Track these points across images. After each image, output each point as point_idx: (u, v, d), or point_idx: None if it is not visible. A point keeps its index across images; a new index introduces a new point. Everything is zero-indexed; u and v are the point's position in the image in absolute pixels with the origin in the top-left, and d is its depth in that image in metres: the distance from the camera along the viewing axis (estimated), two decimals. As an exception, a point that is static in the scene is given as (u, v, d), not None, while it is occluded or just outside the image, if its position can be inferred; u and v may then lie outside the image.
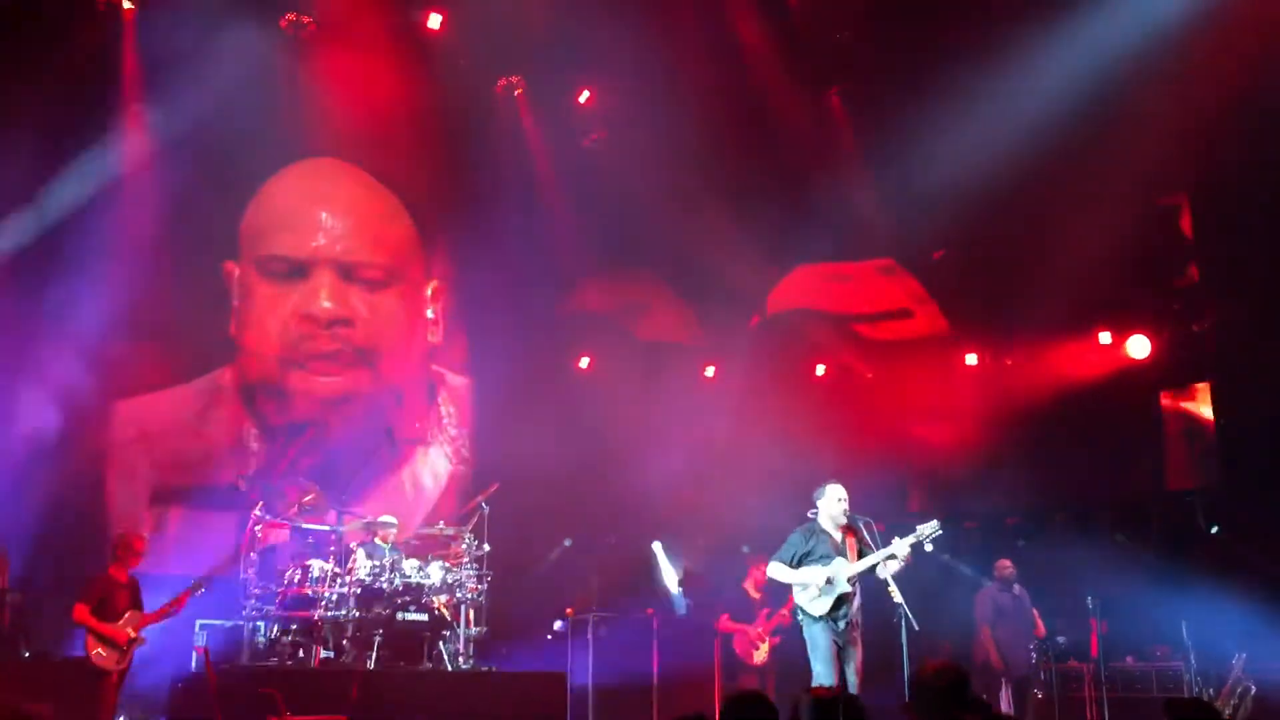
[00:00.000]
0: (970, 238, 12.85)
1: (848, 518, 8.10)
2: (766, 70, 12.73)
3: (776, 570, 8.21)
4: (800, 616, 8.06)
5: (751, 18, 12.52)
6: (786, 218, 13.18)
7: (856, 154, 12.94)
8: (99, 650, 8.88)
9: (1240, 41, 10.03)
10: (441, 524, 11.23)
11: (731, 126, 13.08)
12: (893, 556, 7.81)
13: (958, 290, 13.87)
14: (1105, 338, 12.90)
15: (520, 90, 13.41)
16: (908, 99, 12.19)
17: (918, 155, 12.02)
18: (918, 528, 7.89)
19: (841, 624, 7.90)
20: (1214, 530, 11.95)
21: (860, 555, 8.03)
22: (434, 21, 12.44)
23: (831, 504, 8.15)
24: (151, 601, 9.36)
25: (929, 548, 7.93)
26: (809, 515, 8.27)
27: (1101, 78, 10.66)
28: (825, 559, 8.00)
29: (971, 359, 13.79)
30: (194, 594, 9.51)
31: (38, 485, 11.10)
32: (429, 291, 13.94)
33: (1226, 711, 10.14)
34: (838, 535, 8.14)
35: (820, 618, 7.90)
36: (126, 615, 9.06)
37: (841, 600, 7.91)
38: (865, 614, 8.12)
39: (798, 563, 8.09)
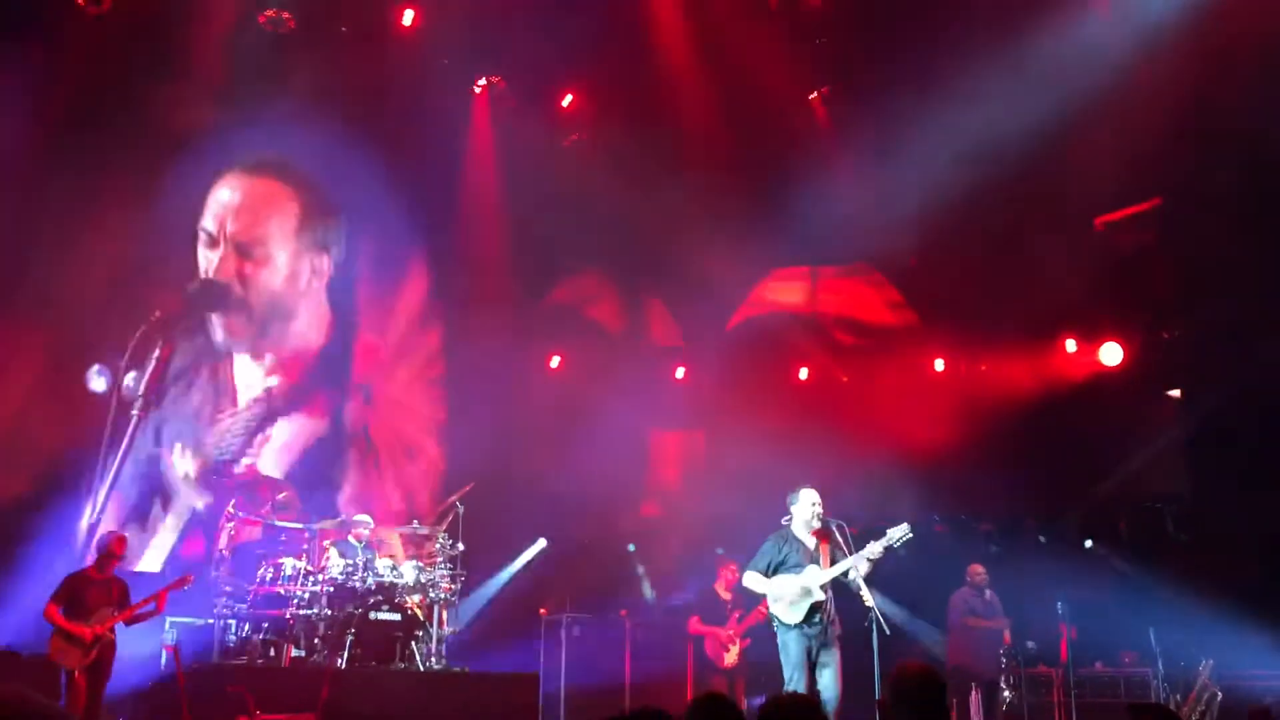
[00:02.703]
0: (946, 243, 12.92)
1: (821, 522, 8.14)
2: (747, 73, 12.76)
3: (751, 580, 8.23)
4: (775, 624, 8.10)
5: (732, 19, 12.55)
6: (764, 221, 13.22)
7: (833, 158, 12.98)
8: (60, 648, 8.79)
9: (1209, 52, 10.14)
10: (416, 523, 11.21)
11: (710, 129, 13.11)
12: (867, 560, 7.85)
13: (933, 296, 13.94)
14: (1077, 345, 13.00)
15: (500, 90, 13.41)
16: (886, 105, 12.25)
17: (895, 161, 12.08)
18: (888, 531, 7.92)
19: (815, 630, 7.93)
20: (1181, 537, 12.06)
21: (833, 560, 8.06)
22: (407, 18, 12.39)
23: (805, 508, 8.18)
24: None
25: (900, 551, 7.99)
26: (783, 521, 8.30)
27: (1074, 87, 10.74)
28: (798, 567, 8.04)
29: (939, 364, 13.87)
30: (177, 589, 9.45)
31: (22, 480, 10.99)
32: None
33: (1193, 717, 10.24)
34: (810, 541, 8.17)
35: (795, 625, 7.93)
36: (98, 613, 8.98)
37: (816, 608, 7.94)
38: (838, 618, 8.16)
39: (772, 571, 8.12)
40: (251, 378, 13.14)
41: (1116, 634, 11.42)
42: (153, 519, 12.15)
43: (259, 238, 13.39)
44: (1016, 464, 13.01)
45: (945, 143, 11.53)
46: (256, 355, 13.26)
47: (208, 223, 12.99)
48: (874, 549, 7.85)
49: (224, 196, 13.19)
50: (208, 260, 12.98)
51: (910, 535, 7.92)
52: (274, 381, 13.20)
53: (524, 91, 13.50)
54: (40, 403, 11.27)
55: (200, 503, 12.36)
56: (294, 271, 13.59)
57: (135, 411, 12.09)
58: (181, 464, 12.46)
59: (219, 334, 13.05)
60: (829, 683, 7.83)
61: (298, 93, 12.28)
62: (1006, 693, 11.08)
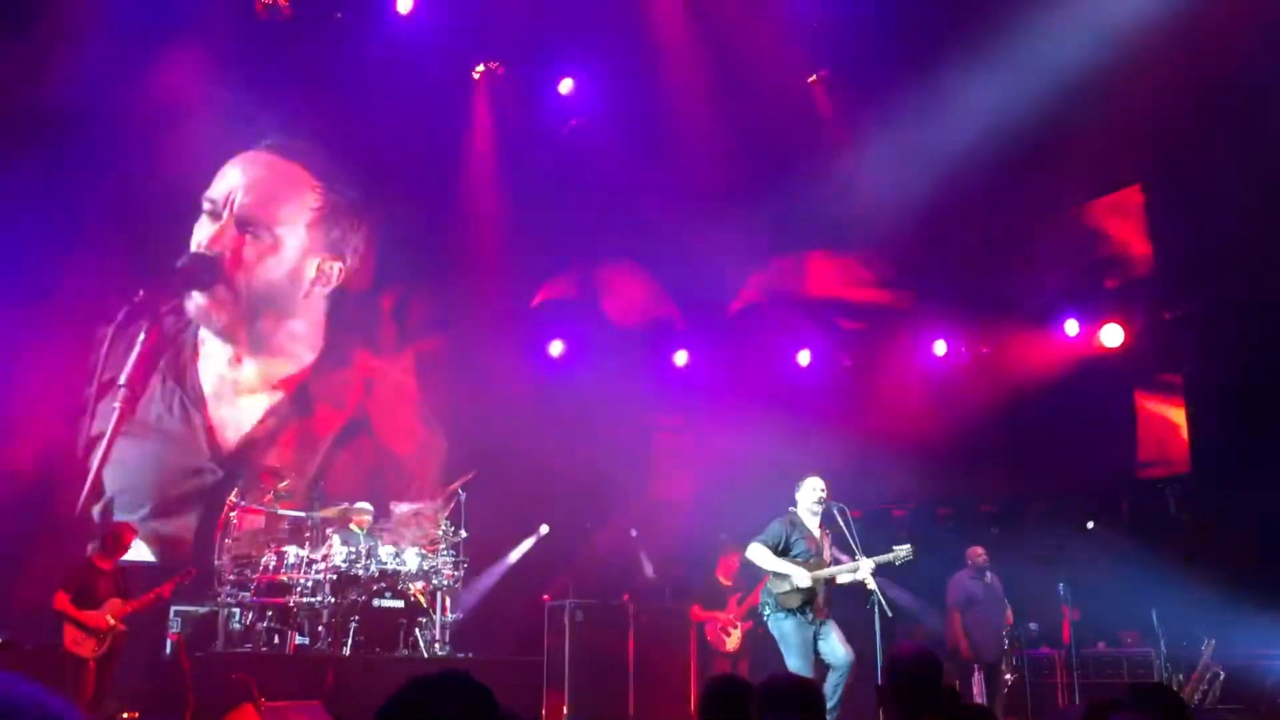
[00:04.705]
0: (945, 227, 12.90)
1: (824, 505, 8.26)
2: (747, 56, 12.73)
3: (758, 552, 8.25)
4: (768, 611, 8.16)
5: (732, 3, 12.52)
6: (765, 206, 13.19)
7: (834, 143, 12.95)
8: (75, 638, 8.83)
9: (1211, 27, 10.11)
10: (418, 510, 11.21)
11: (711, 113, 13.08)
12: (868, 567, 8.01)
13: (934, 280, 13.92)
14: (1078, 327, 12.97)
15: (499, 75, 13.38)
16: (886, 90, 12.21)
17: (895, 146, 12.05)
18: (894, 548, 8.18)
19: (811, 616, 8.02)
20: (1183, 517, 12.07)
21: (834, 553, 8.20)
22: (403, 5, 12.29)
23: (810, 493, 8.34)
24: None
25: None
26: (789, 510, 8.40)
27: (1069, 70, 10.69)
28: (804, 555, 8.16)
29: (940, 348, 13.83)
30: (182, 582, 9.46)
31: (6, 472, 10.96)
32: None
33: (1195, 696, 10.27)
34: (816, 530, 8.31)
35: (791, 611, 8.00)
36: (107, 603, 9.01)
37: (812, 598, 8.04)
38: (840, 600, 8.28)
39: (780, 552, 8.21)
40: (220, 369, 12.67)
41: (1119, 614, 11.44)
42: (135, 513, 11.99)
43: (268, 218, 12.95)
44: (1018, 446, 13.02)
45: (944, 125, 11.51)
46: (237, 345, 12.81)
47: (214, 192, 12.61)
48: (873, 562, 8.03)
49: (239, 169, 12.81)
50: (205, 234, 12.54)
51: (910, 558, 8.18)
52: (262, 390, 12.90)
53: (522, 77, 13.46)
54: (39, 391, 11.26)
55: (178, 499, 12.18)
56: (299, 269, 13.17)
57: (118, 404, 11.81)
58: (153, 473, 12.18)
59: (194, 309, 12.51)
60: (837, 648, 7.94)
61: (301, 79, 12.28)
62: (1008, 675, 11.10)
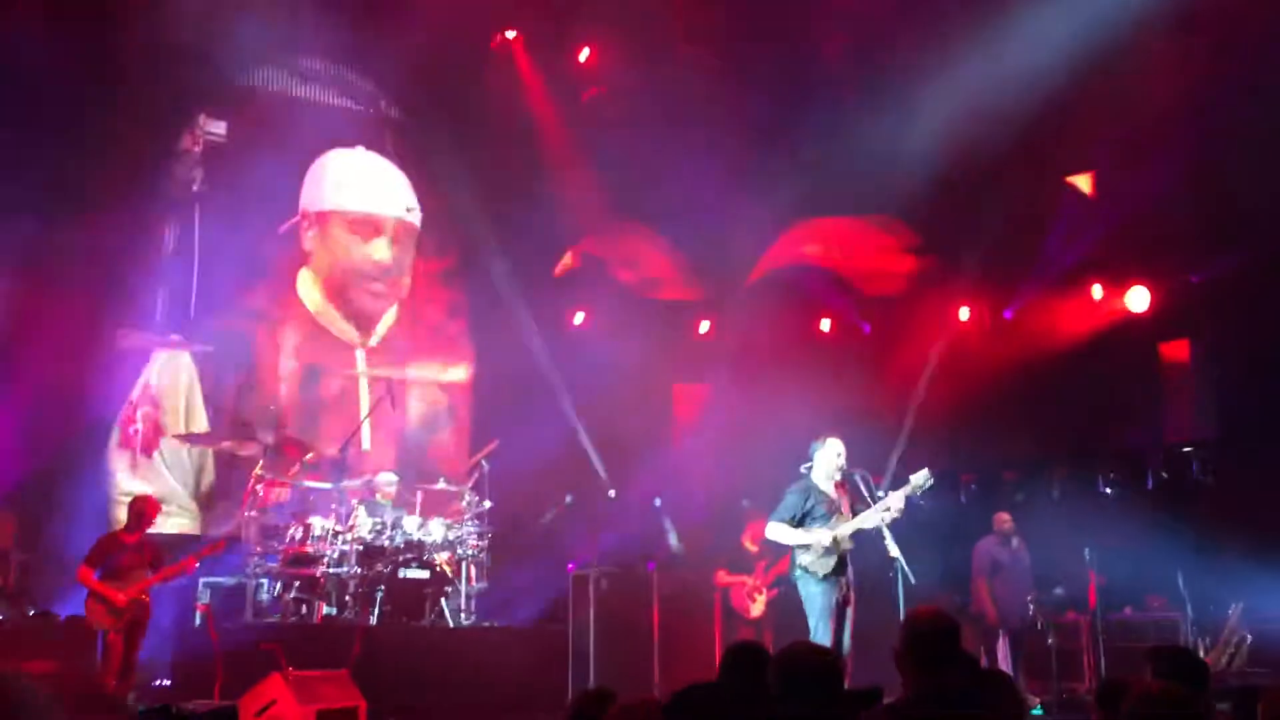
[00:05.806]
0: (967, 190, 12.78)
1: (842, 472, 8.11)
2: (769, 21, 12.63)
3: (777, 531, 8.15)
4: (798, 575, 8.05)
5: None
6: (785, 172, 13.11)
7: (856, 107, 12.83)
8: (97, 611, 8.94)
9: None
10: (443, 480, 11.28)
11: (730, 79, 12.99)
12: (888, 509, 7.81)
13: (958, 244, 13.80)
14: (1103, 290, 12.84)
15: (518, 44, 13.33)
16: (906, 50, 12.09)
17: (917, 108, 11.93)
18: (910, 478, 7.90)
19: (842, 581, 7.94)
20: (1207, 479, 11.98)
21: (854, 510, 8.05)
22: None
23: (830, 457, 8.11)
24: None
25: (922, 499, 7.99)
26: (802, 469, 8.23)
27: (1099, 28, 10.54)
28: (825, 518, 8.00)
29: (964, 313, 13.73)
30: (206, 556, 9.54)
31: (44, 443, 11.06)
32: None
33: (1223, 661, 10.24)
34: (833, 491, 8.14)
35: (824, 577, 7.91)
36: (132, 575, 9.11)
37: (844, 558, 7.95)
38: (862, 568, 8.18)
39: (797, 523, 8.09)
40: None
41: (1146, 579, 11.38)
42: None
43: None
44: (1042, 412, 12.94)
45: (968, 88, 11.39)
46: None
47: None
48: (897, 498, 7.82)
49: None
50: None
51: (931, 481, 7.91)
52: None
53: (541, 44, 13.41)
54: (71, 366, 11.33)
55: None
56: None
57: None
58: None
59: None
60: (846, 642, 7.90)
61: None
62: (1050, 639, 11.05)
